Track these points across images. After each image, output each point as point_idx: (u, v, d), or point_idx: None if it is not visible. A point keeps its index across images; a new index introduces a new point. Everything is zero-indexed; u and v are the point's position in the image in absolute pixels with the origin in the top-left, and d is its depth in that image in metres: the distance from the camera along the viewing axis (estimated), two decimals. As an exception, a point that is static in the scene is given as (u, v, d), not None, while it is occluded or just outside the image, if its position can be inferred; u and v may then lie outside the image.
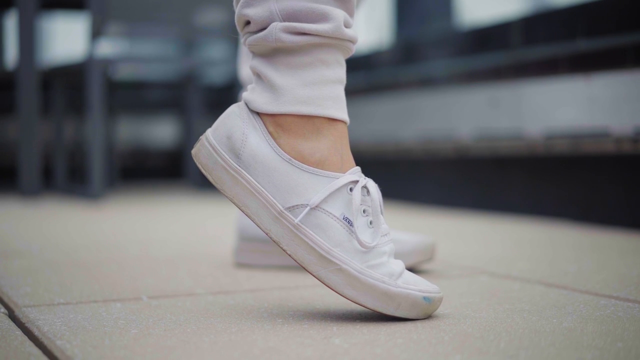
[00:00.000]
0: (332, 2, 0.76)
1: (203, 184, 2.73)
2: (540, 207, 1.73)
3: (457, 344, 0.66)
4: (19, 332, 0.73)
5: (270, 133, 0.77)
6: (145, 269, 1.10)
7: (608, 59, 1.55)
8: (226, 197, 0.78)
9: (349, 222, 0.75)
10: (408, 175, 2.17)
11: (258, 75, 0.78)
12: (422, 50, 2.18)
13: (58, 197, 2.43)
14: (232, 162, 0.77)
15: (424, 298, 0.74)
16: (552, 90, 1.67)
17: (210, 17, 2.40)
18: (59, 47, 3.78)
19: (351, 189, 0.76)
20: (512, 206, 1.80)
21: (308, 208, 0.74)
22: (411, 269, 1.04)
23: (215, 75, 3.35)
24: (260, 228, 0.76)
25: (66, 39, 3.71)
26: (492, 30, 1.92)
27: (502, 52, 1.84)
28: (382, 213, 0.77)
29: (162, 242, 1.41)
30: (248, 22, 0.78)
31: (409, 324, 0.73)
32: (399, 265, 0.76)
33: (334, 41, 0.76)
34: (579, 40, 1.63)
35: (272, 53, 0.77)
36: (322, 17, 0.75)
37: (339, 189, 0.75)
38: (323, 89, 0.76)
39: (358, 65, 2.35)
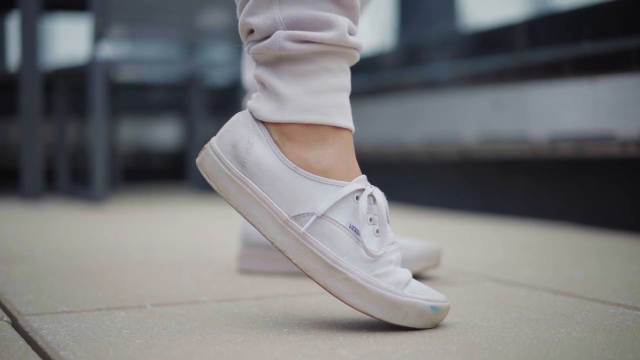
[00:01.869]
0: (336, 9, 0.75)
1: (205, 186, 2.72)
2: (544, 211, 1.72)
3: (465, 355, 0.65)
4: (22, 341, 0.73)
5: (275, 141, 0.76)
6: (149, 274, 1.09)
7: (613, 62, 1.55)
8: (231, 205, 0.77)
9: (356, 231, 0.74)
10: (411, 178, 2.17)
11: (262, 84, 0.78)
12: (425, 52, 2.17)
13: (60, 200, 2.43)
14: (237, 170, 0.76)
15: (431, 307, 0.74)
16: (556, 94, 1.66)
17: (213, 19, 2.39)
18: (61, 48, 3.77)
19: (357, 198, 0.75)
20: (516, 209, 1.80)
21: (314, 217, 0.74)
22: (416, 275, 1.03)
23: (218, 77, 3.35)
24: (265, 237, 0.76)
25: (68, 40, 3.71)
26: (496, 33, 1.91)
27: (506, 55, 1.83)
28: (388, 222, 0.76)
29: (165, 246, 1.40)
30: (252, 31, 0.77)
31: (416, 334, 0.73)
32: (405, 274, 0.75)
33: (339, 49, 0.75)
34: (584, 43, 1.62)
35: (276, 61, 0.76)
36: (326, 25, 0.74)
37: (345, 198, 0.75)
38: (328, 97, 0.76)
39: (361, 68, 2.34)
